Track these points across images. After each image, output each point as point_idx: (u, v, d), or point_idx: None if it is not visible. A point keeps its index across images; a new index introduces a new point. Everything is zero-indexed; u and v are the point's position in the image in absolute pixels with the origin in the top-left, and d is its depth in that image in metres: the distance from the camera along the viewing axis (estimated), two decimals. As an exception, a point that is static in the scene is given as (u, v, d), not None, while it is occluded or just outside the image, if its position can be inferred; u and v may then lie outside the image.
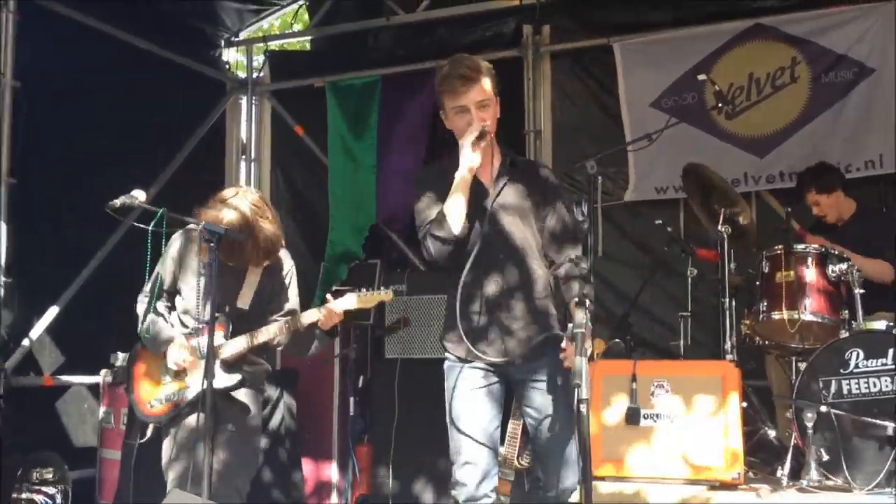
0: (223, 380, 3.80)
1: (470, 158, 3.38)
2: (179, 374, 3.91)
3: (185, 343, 3.86)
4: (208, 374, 3.44)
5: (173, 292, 4.00)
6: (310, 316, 3.94)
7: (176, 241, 3.97)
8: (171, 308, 4.02)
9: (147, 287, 3.98)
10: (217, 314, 3.79)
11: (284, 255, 4.07)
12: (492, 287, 3.43)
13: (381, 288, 3.99)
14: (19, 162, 5.72)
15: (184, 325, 3.95)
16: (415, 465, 5.98)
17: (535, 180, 3.57)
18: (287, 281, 4.08)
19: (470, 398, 3.46)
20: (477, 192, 3.45)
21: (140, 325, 3.96)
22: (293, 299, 4.11)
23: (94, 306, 6.23)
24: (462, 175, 3.39)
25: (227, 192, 3.88)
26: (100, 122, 6.34)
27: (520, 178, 3.54)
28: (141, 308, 4.00)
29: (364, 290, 3.96)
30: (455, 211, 3.38)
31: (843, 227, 5.27)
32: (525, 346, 3.43)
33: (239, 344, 3.87)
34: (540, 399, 3.44)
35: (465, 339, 3.37)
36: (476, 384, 3.46)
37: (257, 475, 5.77)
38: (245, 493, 3.93)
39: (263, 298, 4.02)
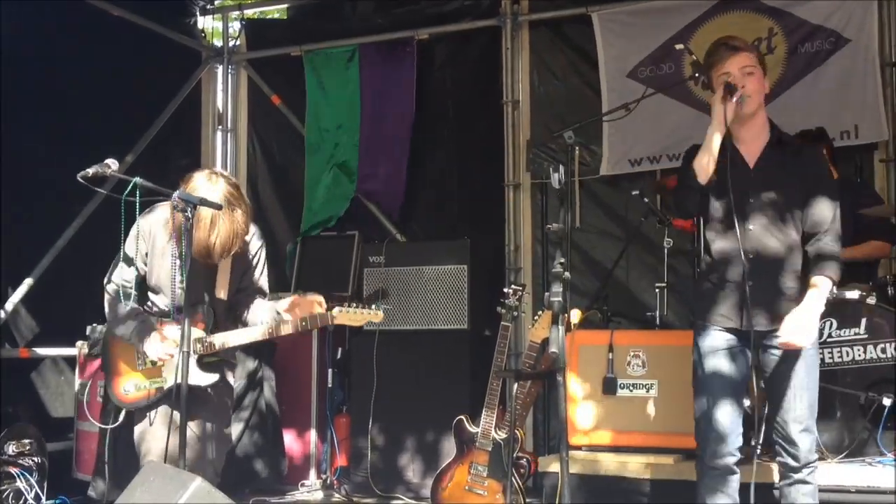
0: (200, 378, 3.73)
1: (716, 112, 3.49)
2: (156, 362, 3.80)
3: (165, 336, 3.75)
4: (182, 367, 3.39)
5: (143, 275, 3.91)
6: (322, 318, 3.90)
7: (142, 221, 3.81)
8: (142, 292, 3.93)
9: (116, 276, 3.83)
10: (197, 306, 3.76)
11: (253, 235, 3.96)
12: None
13: (374, 307, 3.91)
14: (-10, 132, 5.65)
15: (155, 305, 3.88)
16: (393, 435, 6.02)
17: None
18: (255, 261, 4.00)
19: None
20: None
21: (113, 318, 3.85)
22: (263, 280, 4.05)
23: (69, 277, 6.18)
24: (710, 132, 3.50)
25: (198, 175, 3.77)
26: (72, 91, 6.26)
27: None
28: (108, 298, 3.86)
29: (354, 305, 3.88)
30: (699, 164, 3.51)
31: None
32: None
33: (240, 338, 3.83)
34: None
35: None
36: None
37: (235, 449, 5.80)
38: (220, 467, 3.92)
39: (241, 290, 3.95)
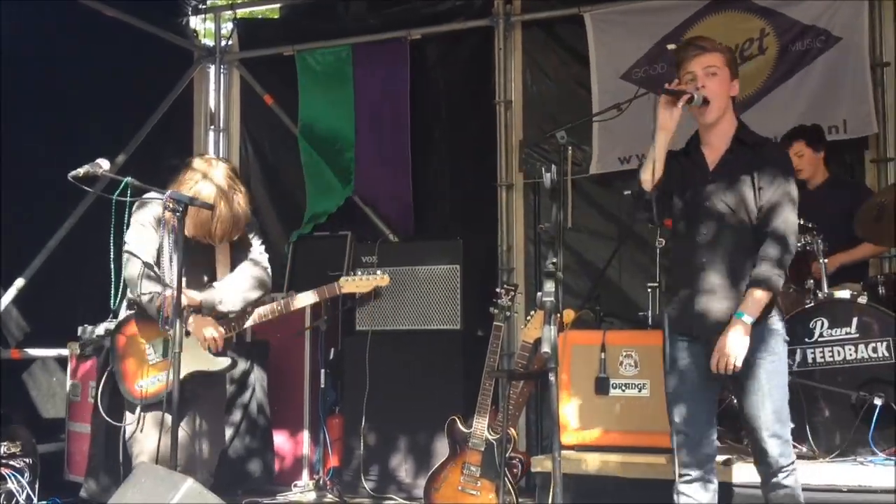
0: (213, 363, 3.79)
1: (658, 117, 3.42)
2: (166, 354, 3.80)
3: (209, 319, 3.81)
4: (176, 360, 3.41)
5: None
6: (305, 299, 3.94)
7: (144, 210, 3.83)
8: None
9: (133, 248, 3.79)
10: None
11: (255, 239, 4.02)
12: None
13: (378, 272, 3.95)
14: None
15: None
16: (386, 436, 6.02)
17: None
18: (253, 243, 4.03)
19: None
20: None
21: (139, 290, 3.75)
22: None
23: (60, 278, 6.17)
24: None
25: (199, 164, 3.83)
26: (65, 91, 6.25)
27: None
28: (135, 270, 3.74)
29: (359, 272, 3.92)
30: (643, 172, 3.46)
31: (815, 190, 5.31)
32: None
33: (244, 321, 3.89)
34: None
35: None
36: None
37: (227, 450, 5.79)
38: (213, 467, 3.92)
39: None
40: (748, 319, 3.29)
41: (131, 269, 3.74)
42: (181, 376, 3.64)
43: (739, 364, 3.28)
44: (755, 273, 3.31)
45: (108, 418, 4.07)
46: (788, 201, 3.37)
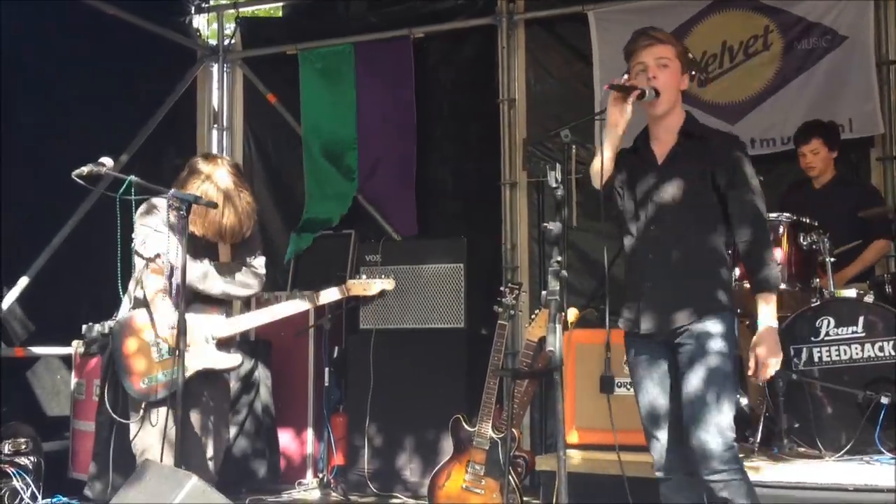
0: (223, 360, 3.80)
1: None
2: (172, 351, 3.79)
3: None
4: (179, 353, 3.42)
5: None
6: (329, 295, 3.96)
7: (154, 217, 3.82)
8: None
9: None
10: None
11: (259, 258, 4.04)
12: None
13: (383, 276, 3.99)
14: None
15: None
16: (391, 434, 6.01)
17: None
18: (255, 246, 4.04)
19: None
20: None
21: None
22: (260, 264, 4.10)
23: (64, 276, 6.17)
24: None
25: (202, 163, 3.82)
26: (68, 89, 6.25)
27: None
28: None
29: (364, 276, 3.96)
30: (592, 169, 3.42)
31: (822, 189, 5.30)
32: None
33: (255, 319, 3.93)
34: None
35: None
36: None
37: (232, 448, 5.80)
38: (218, 464, 3.92)
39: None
40: (773, 324, 3.30)
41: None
42: (188, 374, 3.66)
43: (774, 370, 3.31)
44: (757, 280, 3.27)
45: (114, 415, 4.07)
46: (755, 195, 3.32)
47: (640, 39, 3.44)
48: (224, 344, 3.86)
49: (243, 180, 3.83)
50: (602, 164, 3.35)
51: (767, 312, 3.28)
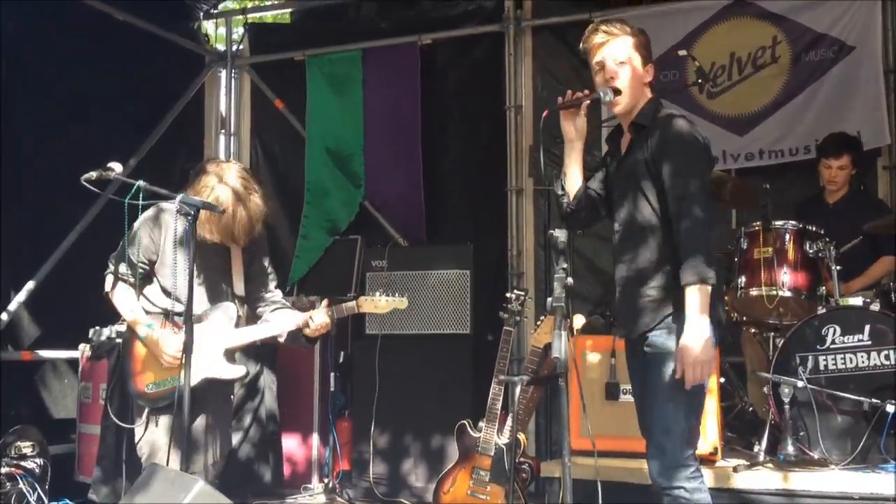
0: (229, 370, 3.80)
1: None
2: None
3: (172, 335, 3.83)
4: (186, 363, 3.42)
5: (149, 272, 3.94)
6: (348, 309, 3.96)
7: (149, 219, 3.86)
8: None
9: (120, 267, 3.87)
10: (224, 299, 3.87)
11: (272, 280, 4.08)
12: None
13: (397, 294, 3.98)
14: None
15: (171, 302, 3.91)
16: (396, 439, 6.02)
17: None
18: (262, 246, 4.05)
19: None
20: None
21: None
22: (273, 271, 4.11)
23: (71, 281, 6.18)
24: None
25: (212, 167, 3.83)
26: (76, 94, 6.26)
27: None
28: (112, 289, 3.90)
29: (378, 293, 3.95)
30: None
31: (834, 206, 5.29)
32: None
33: (250, 335, 3.90)
34: None
35: None
36: None
37: (237, 453, 5.80)
38: (221, 467, 3.94)
39: (253, 280, 4.02)
40: (695, 318, 2.98)
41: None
42: (194, 382, 3.64)
43: (708, 370, 2.99)
44: (680, 273, 3.03)
45: (116, 419, 4.09)
46: (684, 183, 3.08)
47: (594, 36, 3.30)
48: (231, 353, 3.86)
49: (253, 182, 3.84)
50: (568, 181, 3.34)
51: (690, 307, 2.99)
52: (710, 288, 2.99)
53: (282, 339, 3.97)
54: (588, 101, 3.24)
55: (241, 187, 3.74)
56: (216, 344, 3.80)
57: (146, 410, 3.82)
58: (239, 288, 3.96)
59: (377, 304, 3.95)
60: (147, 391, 3.83)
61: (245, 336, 3.89)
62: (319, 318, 3.88)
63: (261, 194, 3.84)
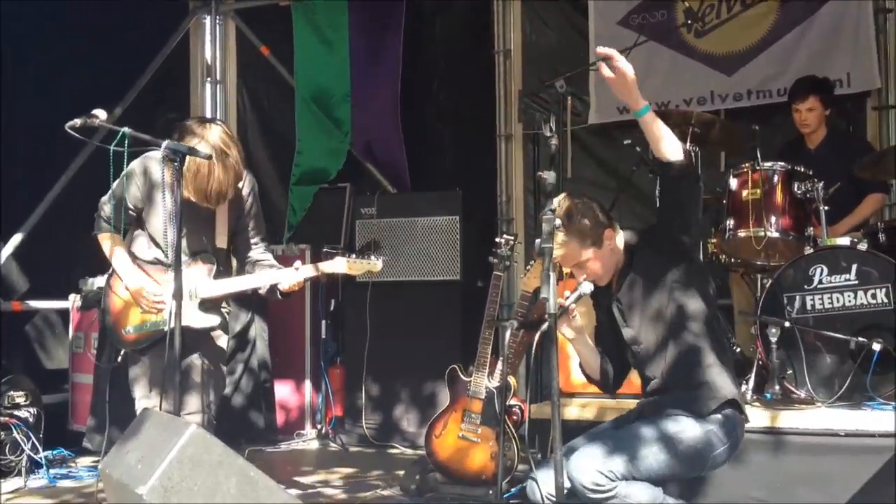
0: (201, 320, 3.80)
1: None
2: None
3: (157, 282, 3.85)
4: (177, 308, 3.43)
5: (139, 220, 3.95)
6: (305, 271, 3.94)
7: (136, 169, 3.86)
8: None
9: (108, 210, 3.89)
10: (203, 251, 3.86)
11: (245, 179, 3.99)
12: None
13: (373, 257, 3.96)
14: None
15: (152, 248, 3.93)
16: (388, 385, 6.06)
17: None
18: (248, 204, 4.03)
19: None
20: None
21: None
22: (258, 221, 4.09)
23: (59, 231, 6.17)
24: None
25: (194, 126, 3.80)
26: (60, 43, 6.19)
27: None
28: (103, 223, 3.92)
29: (354, 255, 3.94)
30: None
31: (815, 151, 5.28)
32: None
33: (227, 286, 3.89)
34: None
35: None
36: None
37: (230, 400, 5.84)
38: (216, 405, 3.98)
39: (238, 236, 4.03)
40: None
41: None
42: (164, 330, 3.68)
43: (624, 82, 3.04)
44: None
45: (100, 364, 4.12)
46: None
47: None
48: (206, 303, 3.85)
49: (233, 143, 3.79)
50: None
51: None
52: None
53: (262, 292, 3.96)
54: (572, 309, 3.22)
55: (220, 146, 3.70)
56: (192, 292, 3.81)
57: (122, 352, 3.92)
58: (220, 241, 3.96)
59: (351, 265, 3.94)
60: (125, 334, 3.88)
61: (219, 288, 3.88)
62: (290, 277, 3.88)
63: (238, 154, 3.79)
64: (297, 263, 3.96)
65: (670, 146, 3.11)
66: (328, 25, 7.22)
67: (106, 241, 3.92)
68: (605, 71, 3.01)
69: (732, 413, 3.17)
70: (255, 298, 6.12)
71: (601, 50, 3.04)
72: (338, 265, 3.85)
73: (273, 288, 3.91)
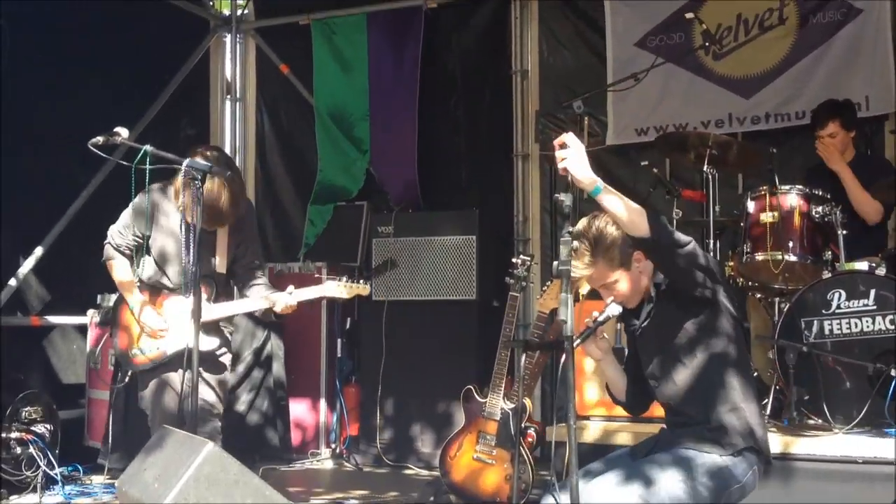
0: (203, 343, 3.84)
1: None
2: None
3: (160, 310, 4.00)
4: (195, 332, 3.47)
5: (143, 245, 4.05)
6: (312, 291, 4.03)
7: (141, 201, 3.99)
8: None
9: (118, 238, 4.05)
10: (204, 276, 3.88)
11: (243, 202, 4.10)
12: None
13: (361, 281, 4.04)
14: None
15: (160, 276, 4.04)
16: (403, 405, 6.05)
17: None
18: (248, 229, 4.14)
19: None
20: None
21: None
22: (258, 250, 4.23)
23: (79, 246, 6.19)
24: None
25: (198, 149, 3.88)
26: (82, 60, 6.23)
27: None
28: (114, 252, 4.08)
29: (345, 279, 4.02)
30: None
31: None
32: None
33: (224, 310, 4.02)
34: None
35: None
36: None
37: (245, 418, 5.86)
38: (221, 410, 4.08)
39: (237, 259, 4.12)
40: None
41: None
42: (169, 353, 3.92)
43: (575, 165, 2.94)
44: None
45: (117, 385, 4.21)
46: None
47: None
48: (207, 326, 3.89)
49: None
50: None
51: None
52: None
53: (257, 314, 4.17)
54: (601, 330, 3.19)
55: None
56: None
57: (129, 373, 4.06)
58: (220, 266, 4.05)
59: (339, 289, 4.03)
60: (132, 356, 4.00)
61: (217, 311, 3.97)
62: (283, 301, 3.96)
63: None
64: (291, 288, 4.02)
65: (630, 225, 2.93)
66: (347, 44, 7.25)
67: (114, 268, 4.06)
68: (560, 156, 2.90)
69: (751, 457, 3.12)
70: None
71: (560, 140, 2.94)
72: (327, 289, 3.95)
73: (267, 312, 4.02)
